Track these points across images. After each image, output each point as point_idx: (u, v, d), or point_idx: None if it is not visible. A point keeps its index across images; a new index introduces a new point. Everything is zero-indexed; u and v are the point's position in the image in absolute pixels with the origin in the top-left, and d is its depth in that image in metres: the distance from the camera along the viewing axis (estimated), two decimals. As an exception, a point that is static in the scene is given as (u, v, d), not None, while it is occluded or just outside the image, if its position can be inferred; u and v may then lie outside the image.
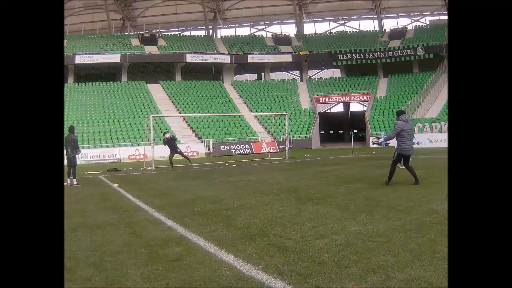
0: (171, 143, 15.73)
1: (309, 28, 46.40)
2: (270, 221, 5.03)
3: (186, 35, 44.17)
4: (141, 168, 16.21)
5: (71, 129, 10.64)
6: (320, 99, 35.39)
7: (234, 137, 28.79)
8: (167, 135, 16.22)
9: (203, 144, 26.63)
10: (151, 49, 37.53)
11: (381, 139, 8.47)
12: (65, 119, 25.11)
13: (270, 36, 43.83)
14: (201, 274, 3.17)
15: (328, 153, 22.87)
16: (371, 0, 43.72)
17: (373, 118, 31.27)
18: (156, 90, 34.86)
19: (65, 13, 35.86)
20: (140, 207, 6.60)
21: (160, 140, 18.61)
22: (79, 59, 34.04)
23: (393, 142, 11.84)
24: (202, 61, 37.37)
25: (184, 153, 17.15)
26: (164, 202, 6.96)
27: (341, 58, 37.89)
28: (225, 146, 25.81)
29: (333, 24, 46.97)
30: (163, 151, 23.26)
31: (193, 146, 25.24)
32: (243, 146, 26.01)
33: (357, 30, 45.61)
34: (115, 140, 26.39)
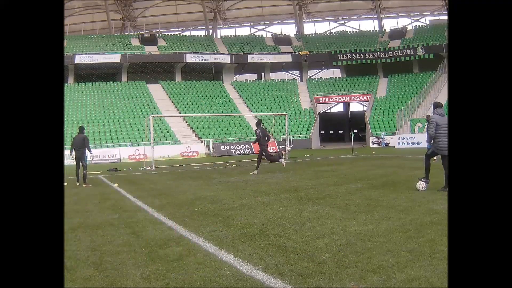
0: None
1: (309, 28, 46.46)
2: (270, 221, 5.03)
3: (186, 35, 44.19)
4: (141, 168, 16.20)
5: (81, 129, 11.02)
6: (320, 99, 35.41)
7: (234, 137, 28.80)
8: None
9: (203, 144, 26.64)
10: (151, 49, 37.56)
11: (428, 145, 7.87)
12: (65, 119, 25.12)
13: (270, 36, 43.86)
14: (201, 274, 3.17)
15: (328, 153, 22.87)
16: (371, 0, 43.73)
17: (373, 118, 31.28)
18: (156, 90, 34.87)
19: (65, 13, 35.90)
20: (140, 207, 6.59)
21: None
22: (79, 59, 34.06)
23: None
24: (202, 61, 37.39)
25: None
26: (164, 202, 6.96)
27: (341, 58, 37.91)
28: (225, 146, 25.82)
29: (333, 24, 47.01)
30: (163, 151, 23.35)
31: (193, 146, 25.26)
32: (243, 146, 26.01)
33: (357, 30, 45.63)
34: (115, 140, 26.40)
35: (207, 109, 32.37)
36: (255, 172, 11.79)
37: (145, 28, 42.54)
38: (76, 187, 9.99)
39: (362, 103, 38.53)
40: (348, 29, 46.11)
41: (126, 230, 4.88)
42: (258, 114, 31.50)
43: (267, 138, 12.72)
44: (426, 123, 8.20)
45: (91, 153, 10.74)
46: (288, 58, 39.31)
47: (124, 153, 23.57)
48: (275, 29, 46.65)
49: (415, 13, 44.62)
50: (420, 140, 21.62)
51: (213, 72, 39.42)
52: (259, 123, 12.98)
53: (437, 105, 7.31)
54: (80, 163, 10.41)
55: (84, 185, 10.14)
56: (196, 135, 29.08)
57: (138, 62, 36.22)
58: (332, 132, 44.82)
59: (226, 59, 38.02)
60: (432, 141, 7.25)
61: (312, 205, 6.01)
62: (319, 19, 46.75)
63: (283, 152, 17.70)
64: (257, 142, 12.79)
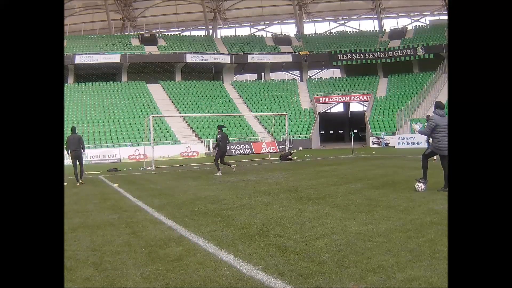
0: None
1: (309, 28, 46.48)
2: (270, 221, 5.03)
3: (186, 35, 44.20)
4: (141, 168, 16.20)
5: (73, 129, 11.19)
6: (320, 99, 35.41)
7: (234, 137, 28.80)
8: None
9: (203, 144, 26.63)
10: (151, 49, 37.56)
11: (418, 131, 7.84)
12: (65, 119, 25.15)
13: (270, 36, 43.87)
14: (201, 274, 3.17)
15: (328, 153, 22.87)
16: (371, 0, 43.74)
17: (373, 118, 31.28)
18: (156, 90, 34.88)
19: (65, 13, 35.91)
20: (140, 207, 6.59)
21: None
22: (79, 59, 34.08)
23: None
24: (202, 61, 37.41)
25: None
26: (164, 202, 6.96)
27: (341, 58, 37.93)
28: (225, 146, 25.82)
29: (333, 24, 47.03)
30: (163, 151, 23.35)
31: (193, 146, 25.25)
32: (243, 146, 26.02)
33: (357, 30, 45.64)
34: (115, 140, 26.41)
35: (207, 109, 32.38)
36: (219, 173, 11.66)
37: (145, 28, 42.55)
38: (76, 187, 9.99)
39: (362, 103, 38.54)
40: (348, 29, 46.14)
41: (126, 230, 4.88)
42: (258, 114, 31.56)
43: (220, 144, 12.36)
44: (426, 123, 8.23)
45: (84, 152, 11.25)
46: (288, 58, 39.32)
47: (124, 153, 23.57)
48: (275, 29, 46.68)
49: (415, 13, 44.63)
50: (420, 140, 21.60)
51: (213, 72, 39.44)
52: (221, 127, 12.82)
53: (438, 105, 7.14)
54: (77, 162, 10.60)
55: (80, 180, 10.52)
56: (196, 135, 29.09)
57: (138, 62, 36.24)
58: (332, 132, 44.84)
59: (226, 59, 38.03)
60: (431, 141, 7.22)
61: (312, 205, 6.01)
62: (319, 19, 46.76)
63: (291, 153, 17.96)
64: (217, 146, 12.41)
